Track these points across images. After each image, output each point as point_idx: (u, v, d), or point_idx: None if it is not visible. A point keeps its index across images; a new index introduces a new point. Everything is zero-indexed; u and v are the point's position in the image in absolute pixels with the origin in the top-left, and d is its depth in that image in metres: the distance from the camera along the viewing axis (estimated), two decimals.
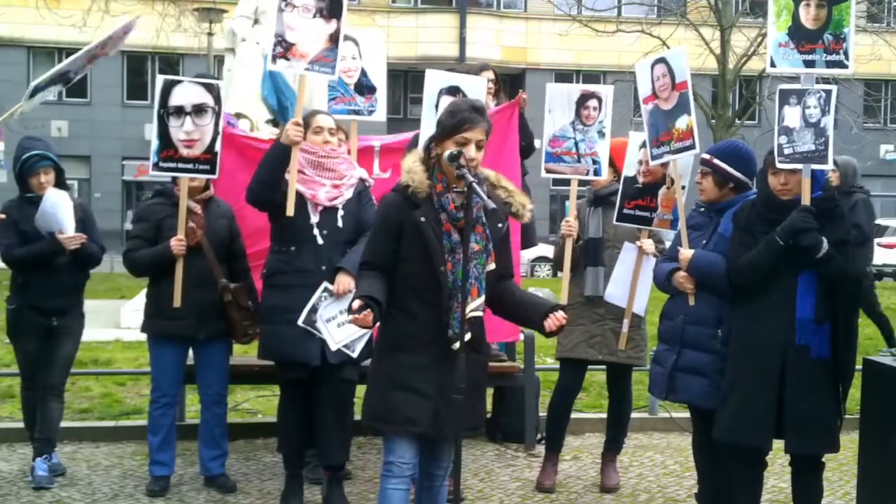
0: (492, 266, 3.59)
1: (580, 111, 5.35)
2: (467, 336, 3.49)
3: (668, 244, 5.15)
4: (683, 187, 5.30)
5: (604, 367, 5.67)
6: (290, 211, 4.68)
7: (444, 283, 3.52)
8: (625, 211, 5.31)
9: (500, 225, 3.64)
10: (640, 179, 5.31)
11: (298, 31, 4.69)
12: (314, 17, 4.71)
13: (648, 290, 5.34)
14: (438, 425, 3.54)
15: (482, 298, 3.55)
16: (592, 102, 5.36)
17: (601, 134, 5.35)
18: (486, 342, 3.78)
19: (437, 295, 3.53)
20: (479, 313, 3.55)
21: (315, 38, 4.72)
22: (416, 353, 3.56)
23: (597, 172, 5.37)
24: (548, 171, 5.44)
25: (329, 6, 4.74)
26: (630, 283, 5.29)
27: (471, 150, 3.49)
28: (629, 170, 5.33)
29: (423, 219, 3.53)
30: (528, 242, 6.38)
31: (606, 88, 5.45)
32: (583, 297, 5.37)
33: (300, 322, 4.69)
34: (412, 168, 3.60)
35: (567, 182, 5.47)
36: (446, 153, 3.47)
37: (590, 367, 5.64)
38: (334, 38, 4.75)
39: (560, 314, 3.56)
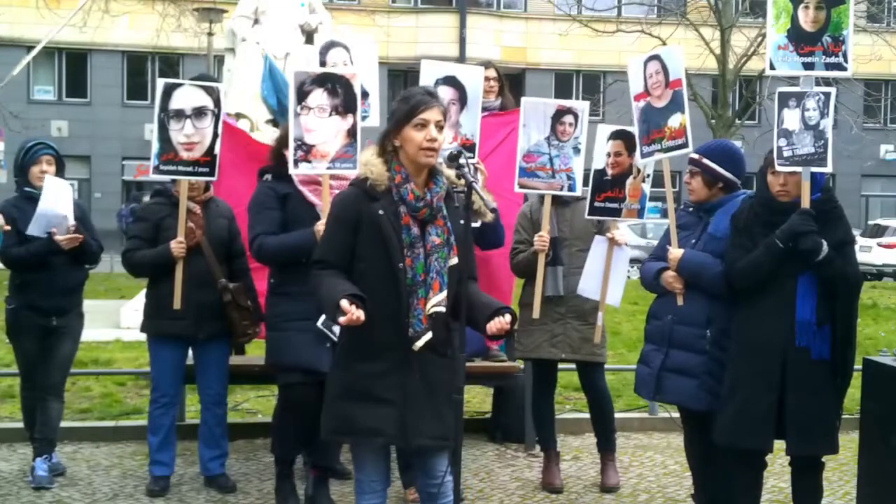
0: (454, 260, 3.44)
1: (556, 126, 5.32)
2: (428, 335, 3.35)
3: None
4: (649, 176, 5.32)
5: (573, 366, 5.70)
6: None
7: (403, 280, 3.36)
8: (596, 204, 5.31)
9: (461, 221, 3.46)
10: (609, 171, 5.32)
11: (316, 132, 4.69)
12: (330, 115, 4.71)
13: (623, 281, 5.35)
14: (406, 434, 3.36)
15: (444, 293, 3.38)
16: (568, 118, 5.33)
17: (576, 150, 5.33)
18: (455, 345, 3.47)
19: (395, 294, 3.35)
20: (442, 309, 3.38)
21: (334, 136, 4.71)
22: (373, 360, 3.38)
23: (571, 188, 5.35)
24: (521, 186, 5.39)
25: (344, 103, 4.73)
26: (602, 275, 5.29)
27: (431, 131, 3.38)
28: (598, 162, 5.33)
29: (381, 212, 3.36)
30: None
31: (582, 104, 5.43)
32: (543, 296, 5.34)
33: (319, 324, 4.67)
34: (369, 161, 3.47)
35: None
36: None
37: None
38: (352, 133, 4.75)
39: (503, 319, 3.35)
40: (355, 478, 3.59)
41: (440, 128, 3.42)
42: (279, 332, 4.81)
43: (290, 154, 4.69)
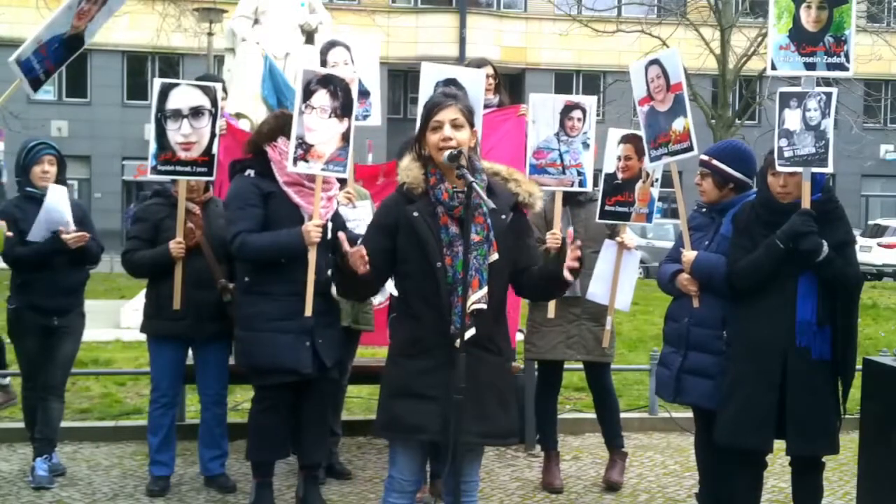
0: (494, 256, 3.47)
1: (564, 122, 5.31)
2: (471, 331, 3.37)
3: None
4: (657, 180, 5.31)
5: (580, 367, 5.71)
6: (308, 311, 4.64)
7: (443, 279, 3.42)
8: (606, 208, 5.31)
9: (503, 216, 3.51)
10: (620, 175, 5.32)
11: (316, 132, 4.74)
12: (329, 117, 4.78)
13: (632, 285, 5.35)
14: (448, 431, 3.38)
15: (484, 290, 3.42)
16: (577, 113, 5.32)
17: (586, 145, 5.31)
18: (504, 343, 3.60)
19: (436, 292, 3.42)
20: (482, 306, 3.42)
21: (330, 138, 4.77)
22: (420, 357, 3.46)
23: (581, 184, 5.34)
24: None
25: (342, 106, 4.80)
26: (611, 279, 5.29)
27: (445, 130, 3.44)
28: (609, 166, 5.32)
29: (416, 213, 3.46)
30: None
31: (590, 99, 5.42)
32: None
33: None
34: (407, 165, 3.57)
35: None
36: (445, 154, 3.42)
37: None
38: (346, 137, 4.81)
39: (572, 249, 3.39)
40: (388, 475, 3.61)
41: (458, 126, 3.47)
42: (256, 332, 4.73)
43: (289, 151, 4.69)
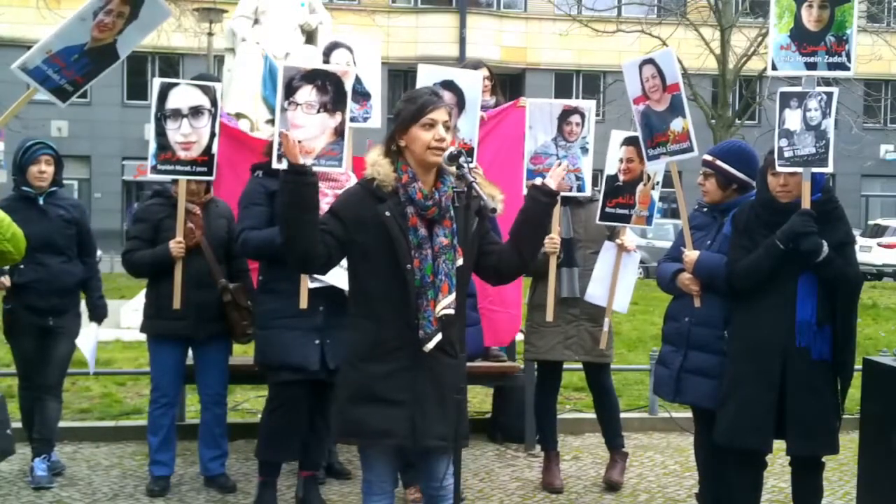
0: (460, 261, 3.40)
1: (562, 127, 5.29)
2: (438, 336, 3.32)
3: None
4: (658, 183, 5.30)
5: (580, 367, 5.71)
6: (304, 304, 4.64)
7: (411, 282, 3.33)
8: (607, 210, 5.30)
9: (469, 220, 3.43)
10: (621, 178, 5.31)
11: (303, 128, 4.66)
12: (318, 112, 4.69)
13: (631, 287, 5.35)
14: (415, 435, 3.33)
15: (453, 296, 3.33)
16: (575, 118, 5.30)
17: (584, 150, 5.29)
18: (460, 345, 3.48)
19: (404, 295, 3.31)
20: (450, 311, 3.38)
21: (320, 133, 4.69)
22: (384, 361, 3.34)
23: (580, 189, 5.33)
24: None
25: (333, 100, 4.70)
26: (610, 281, 5.28)
27: (439, 131, 3.35)
28: (611, 168, 5.31)
29: (387, 213, 3.31)
30: None
31: (588, 103, 5.40)
32: (557, 298, 5.33)
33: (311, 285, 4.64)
34: (376, 161, 3.42)
35: None
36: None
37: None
38: (339, 132, 4.72)
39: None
40: (363, 478, 3.56)
41: (447, 128, 3.40)
42: (267, 329, 4.80)
43: (274, 148, 4.67)
